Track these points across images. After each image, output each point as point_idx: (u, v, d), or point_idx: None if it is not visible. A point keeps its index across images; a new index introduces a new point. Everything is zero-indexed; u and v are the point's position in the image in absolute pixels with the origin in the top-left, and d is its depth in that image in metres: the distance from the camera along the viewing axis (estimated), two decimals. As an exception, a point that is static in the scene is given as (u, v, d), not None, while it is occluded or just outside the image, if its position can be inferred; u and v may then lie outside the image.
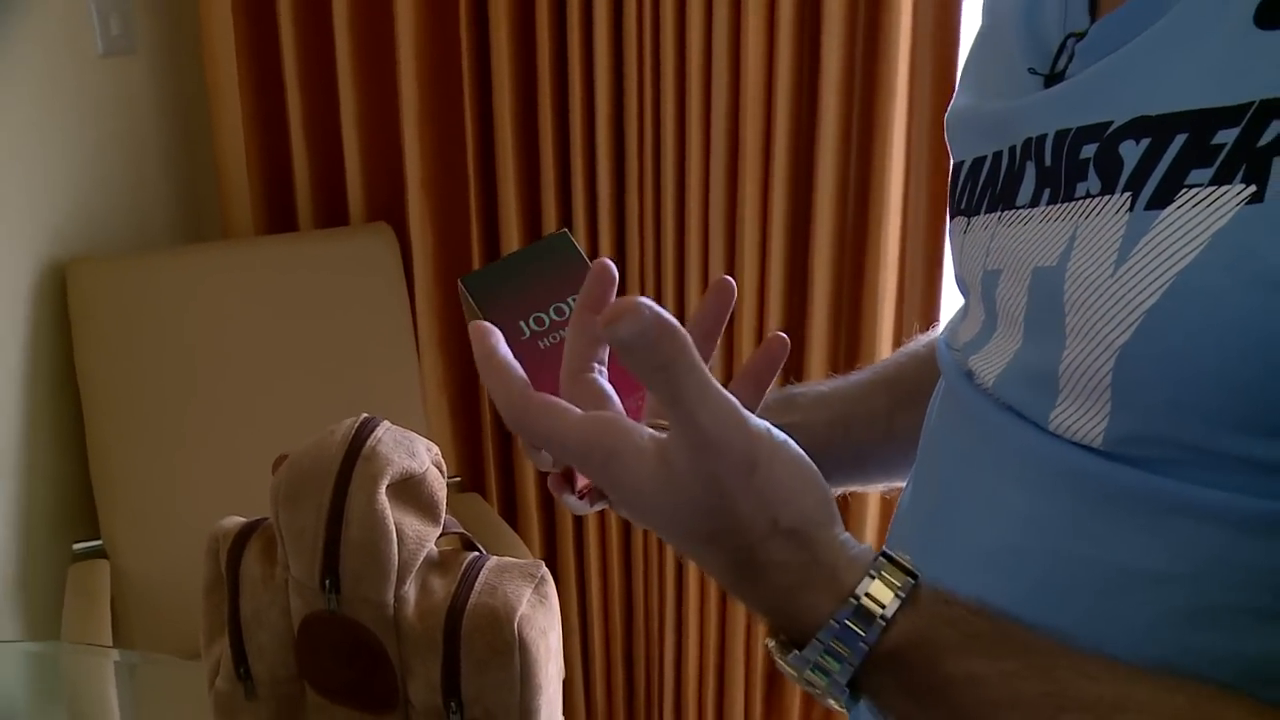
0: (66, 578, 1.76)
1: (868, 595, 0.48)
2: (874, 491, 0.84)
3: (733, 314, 1.87)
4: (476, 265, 2.07)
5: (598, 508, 0.72)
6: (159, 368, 1.87)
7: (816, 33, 1.69)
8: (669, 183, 1.84)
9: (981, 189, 0.63)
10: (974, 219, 0.64)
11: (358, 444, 0.87)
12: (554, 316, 0.67)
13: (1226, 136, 0.46)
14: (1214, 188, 0.46)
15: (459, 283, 0.68)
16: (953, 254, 0.69)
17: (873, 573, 0.49)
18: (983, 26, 0.70)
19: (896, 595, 0.48)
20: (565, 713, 2.42)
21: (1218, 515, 0.48)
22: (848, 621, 0.48)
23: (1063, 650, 0.48)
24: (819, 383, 0.84)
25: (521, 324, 0.66)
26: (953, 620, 0.49)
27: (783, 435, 0.51)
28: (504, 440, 2.17)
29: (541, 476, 2.05)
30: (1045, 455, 0.55)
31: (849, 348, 1.83)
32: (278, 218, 2.14)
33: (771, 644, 0.51)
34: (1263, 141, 0.45)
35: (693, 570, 2.03)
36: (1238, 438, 0.47)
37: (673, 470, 0.48)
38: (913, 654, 0.48)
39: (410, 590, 0.89)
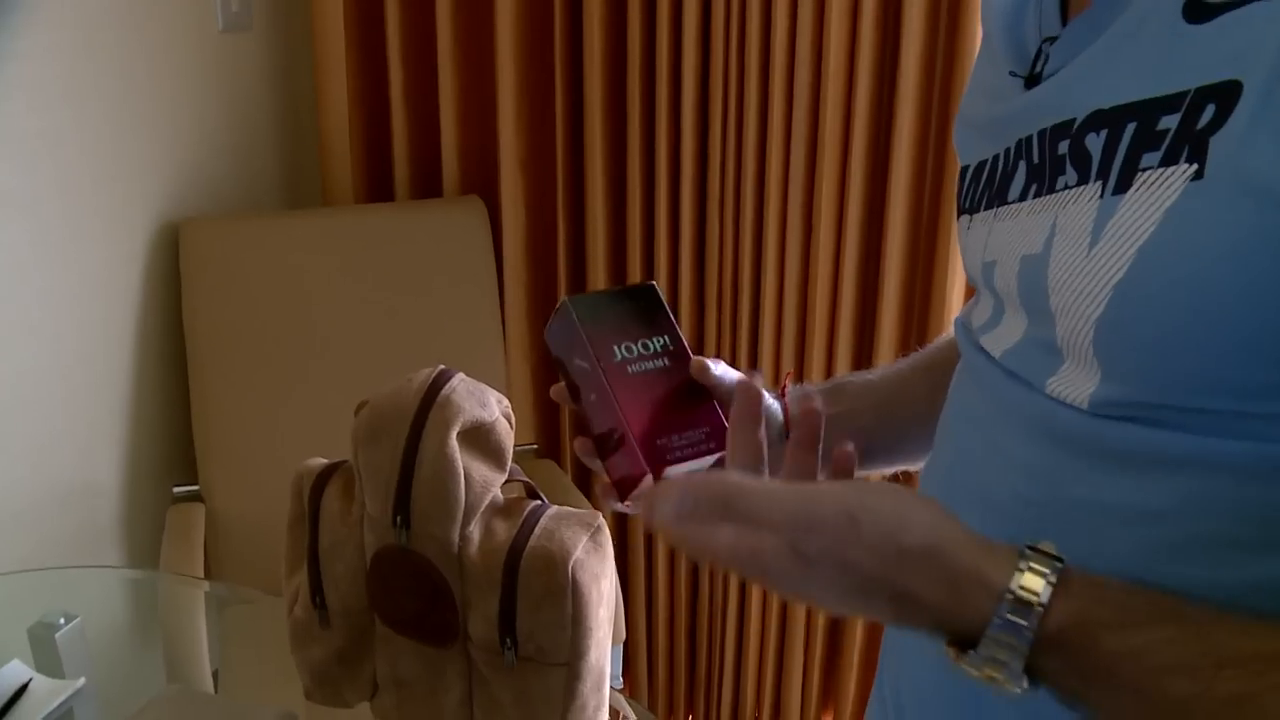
0: (166, 518, 1.88)
1: (1021, 588, 0.52)
2: (916, 468, 0.89)
3: (805, 309, 1.92)
4: (563, 242, 2.14)
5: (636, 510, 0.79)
6: (259, 323, 1.98)
7: (897, 33, 1.73)
8: (749, 172, 1.89)
9: (982, 189, 0.69)
10: (975, 216, 0.69)
11: (434, 391, 0.94)
12: (641, 350, 0.75)
13: (1170, 122, 0.52)
14: (1163, 169, 0.51)
15: (563, 301, 0.76)
16: (960, 249, 0.74)
17: (1021, 565, 0.52)
18: (982, 37, 0.75)
19: (1048, 582, 0.51)
20: (628, 684, 2.47)
21: (1194, 459, 0.53)
22: (1008, 615, 0.51)
23: (1213, 612, 0.51)
24: (867, 371, 0.90)
25: (615, 347, 0.74)
26: (1106, 599, 0.52)
27: (856, 479, 0.56)
28: (581, 412, 2.24)
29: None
30: (1042, 415, 0.60)
31: (920, 341, 1.87)
32: (376, 187, 2.23)
33: (950, 651, 0.55)
34: (1200, 124, 0.50)
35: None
36: (1207, 395, 0.52)
37: (805, 559, 0.53)
38: (1075, 635, 0.51)
39: (475, 531, 0.96)
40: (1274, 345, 0.49)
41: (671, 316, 0.76)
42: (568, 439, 2.25)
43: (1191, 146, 0.50)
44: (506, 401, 0.99)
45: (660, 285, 2.05)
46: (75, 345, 1.83)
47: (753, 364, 2.00)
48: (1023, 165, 0.63)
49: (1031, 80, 0.64)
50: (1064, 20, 0.64)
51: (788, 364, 1.94)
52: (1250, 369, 0.50)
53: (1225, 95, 0.50)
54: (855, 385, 0.90)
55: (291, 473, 1.11)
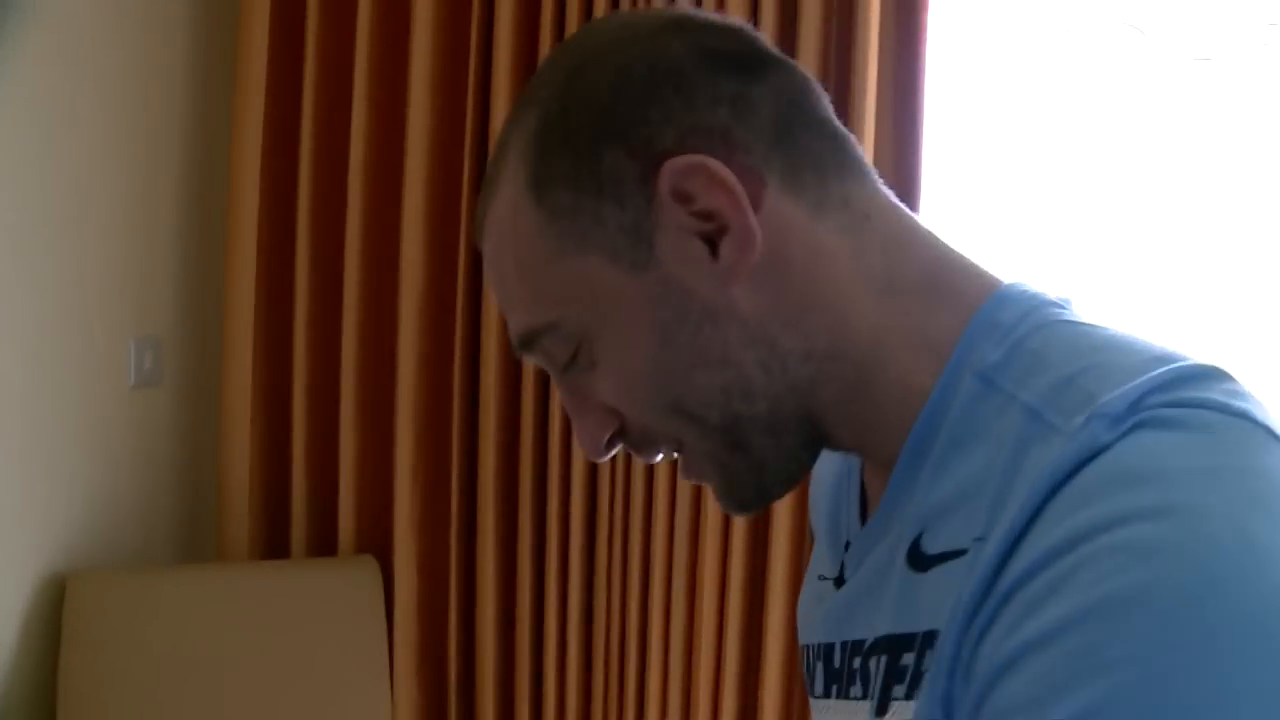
0: None
1: None
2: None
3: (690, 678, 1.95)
4: (455, 604, 2.16)
5: None
6: (139, 684, 1.93)
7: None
8: (635, 554, 1.97)
9: (811, 674, 0.74)
10: (812, 698, 0.74)
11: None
12: None
13: (909, 659, 0.57)
14: (907, 702, 0.57)
15: None
16: None
17: None
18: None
19: None
20: None
21: None
22: None
23: None
24: None
25: None
26: None
27: None
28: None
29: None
30: None
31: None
32: (271, 543, 2.25)
33: None
34: (924, 666, 0.56)
35: None
36: None
37: None
38: None
39: None
40: None
41: None
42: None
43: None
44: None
45: (548, 653, 2.08)
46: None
47: None
48: (820, 666, 0.69)
49: (839, 581, 0.69)
50: (864, 521, 0.70)
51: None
52: None
53: (935, 642, 0.55)
54: None
55: None
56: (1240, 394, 0.55)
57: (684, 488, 1.92)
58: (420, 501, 2.16)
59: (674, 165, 0.61)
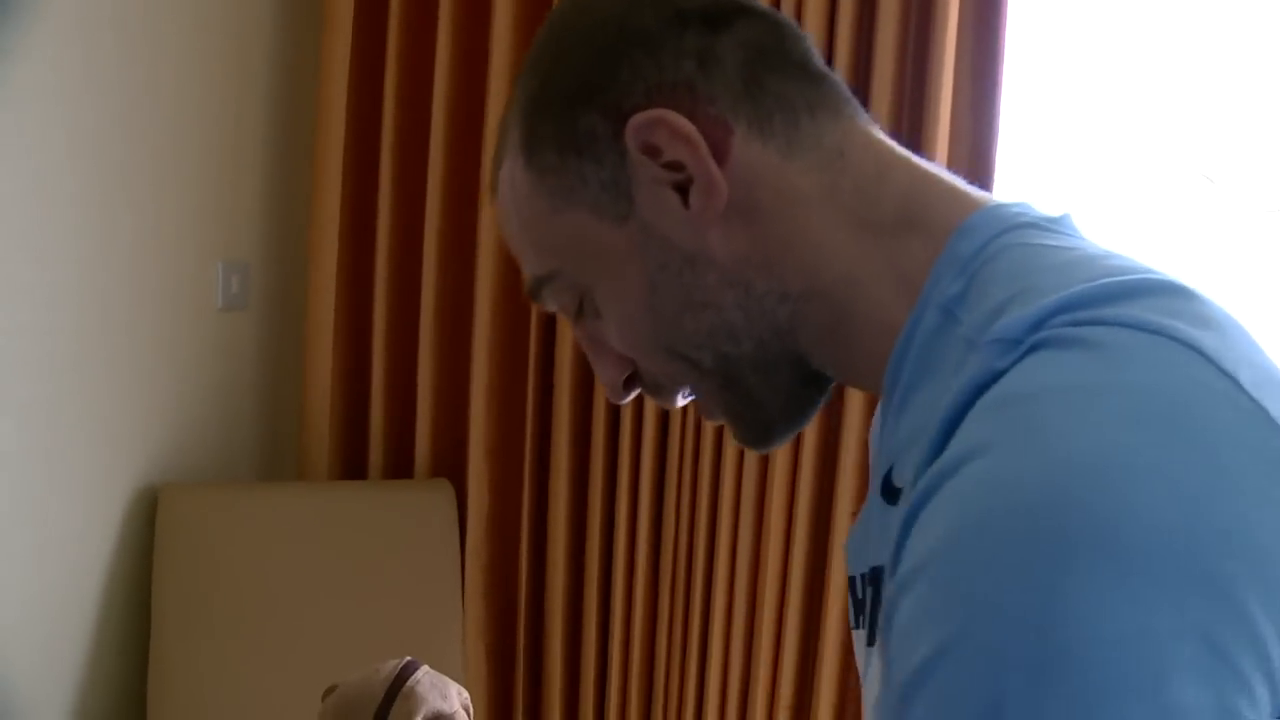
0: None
1: None
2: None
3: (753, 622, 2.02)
4: (526, 528, 2.23)
5: None
6: (227, 592, 2.03)
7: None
8: (705, 474, 2.02)
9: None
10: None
11: (399, 682, 1.01)
12: None
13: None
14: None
15: None
16: None
17: None
18: None
19: None
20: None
21: None
22: None
23: None
24: None
25: None
26: None
27: None
28: (534, 691, 2.28)
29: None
30: None
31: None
32: (349, 465, 2.33)
33: None
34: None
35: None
36: None
37: None
38: None
39: (426, 819, 1.01)
40: None
41: None
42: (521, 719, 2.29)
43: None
44: (466, 694, 1.06)
45: (616, 576, 2.15)
46: (39, 609, 1.87)
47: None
48: (850, 597, 0.70)
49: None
50: None
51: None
52: None
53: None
54: None
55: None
56: (1178, 312, 0.53)
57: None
58: (494, 429, 2.22)
59: (636, 121, 0.64)
